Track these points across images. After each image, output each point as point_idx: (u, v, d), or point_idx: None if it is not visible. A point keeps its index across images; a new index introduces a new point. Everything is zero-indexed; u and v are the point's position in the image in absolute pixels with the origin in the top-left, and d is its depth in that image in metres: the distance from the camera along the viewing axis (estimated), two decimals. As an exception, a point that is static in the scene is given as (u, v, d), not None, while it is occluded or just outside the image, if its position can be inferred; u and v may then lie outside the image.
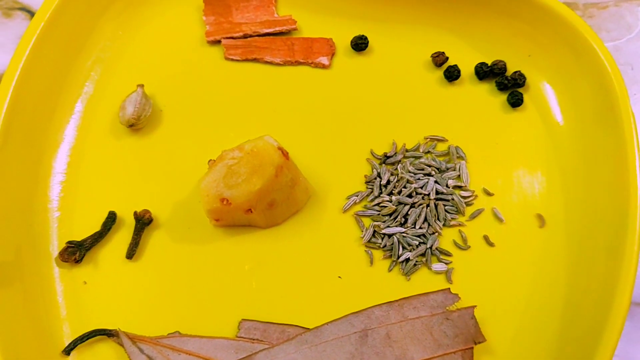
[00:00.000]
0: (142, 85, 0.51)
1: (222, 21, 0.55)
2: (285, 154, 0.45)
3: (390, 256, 0.47)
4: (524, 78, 0.53)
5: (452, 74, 0.53)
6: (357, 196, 0.49)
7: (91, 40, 0.53)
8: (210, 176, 0.44)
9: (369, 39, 0.54)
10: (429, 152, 0.51)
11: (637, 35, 0.58)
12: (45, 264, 0.46)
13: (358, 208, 0.49)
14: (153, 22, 0.55)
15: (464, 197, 0.49)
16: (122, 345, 0.43)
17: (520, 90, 0.53)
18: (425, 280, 0.47)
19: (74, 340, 0.43)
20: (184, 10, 0.56)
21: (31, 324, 0.43)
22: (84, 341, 0.43)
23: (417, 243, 0.47)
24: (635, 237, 0.43)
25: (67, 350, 0.43)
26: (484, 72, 0.53)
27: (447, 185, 0.49)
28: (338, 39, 0.55)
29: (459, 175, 0.50)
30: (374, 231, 0.48)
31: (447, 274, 0.47)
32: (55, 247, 0.47)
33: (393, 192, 0.49)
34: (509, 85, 0.53)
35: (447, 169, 0.50)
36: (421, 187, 0.49)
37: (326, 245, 0.48)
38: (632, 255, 0.43)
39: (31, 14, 0.58)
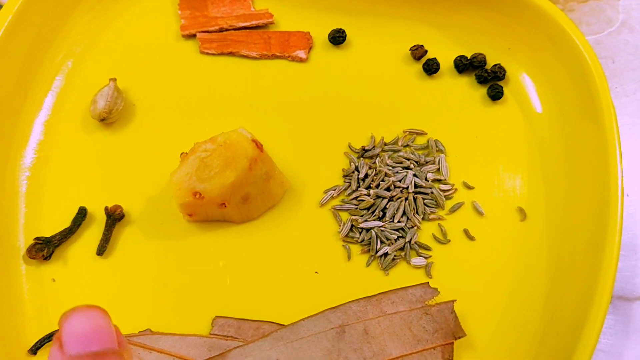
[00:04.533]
0: (114, 79, 0.49)
1: (198, 15, 0.54)
2: (259, 146, 0.44)
3: (369, 251, 0.46)
4: (504, 71, 0.52)
5: (431, 67, 0.52)
6: (334, 190, 0.48)
7: (62, 33, 0.52)
8: (182, 169, 0.43)
9: (346, 32, 0.53)
10: (407, 145, 0.50)
11: (617, 28, 0.58)
12: (12, 261, 0.45)
13: (335, 202, 0.48)
14: (127, 15, 0.54)
15: (444, 191, 0.48)
16: (91, 343, 0.42)
17: (500, 83, 0.52)
18: (404, 275, 0.46)
19: (40, 339, 0.42)
20: (158, 4, 0.55)
21: (-4, 322, 0.42)
22: (51, 340, 0.42)
23: (396, 237, 0.46)
24: (616, 229, 0.42)
25: (34, 350, 0.42)
26: (463, 65, 0.53)
27: (426, 179, 0.48)
28: (315, 33, 0.54)
29: (439, 169, 0.49)
30: (352, 225, 0.47)
31: (427, 269, 0.46)
32: (23, 243, 0.45)
33: (371, 185, 0.48)
34: (489, 78, 0.52)
35: (426, 162, 0.49)
36: (400, 181, 0.48)
37: (303, 240, 0.46)
38: (613, 247, 0.42)
39: None
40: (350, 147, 0.50)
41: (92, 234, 0.46)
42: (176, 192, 0.43)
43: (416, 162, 0.49)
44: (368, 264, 0.46)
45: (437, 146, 0.50)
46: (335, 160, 0.49)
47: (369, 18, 0.55)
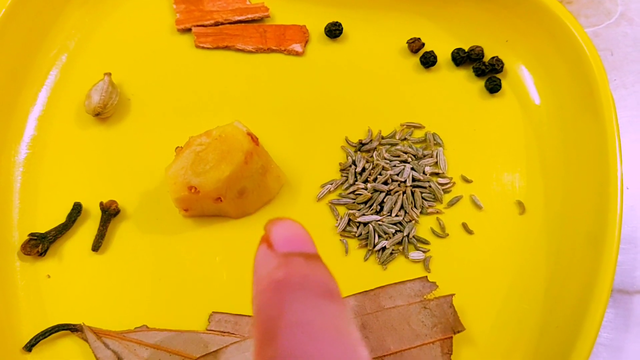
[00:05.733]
0: (109, 74, 0.49)
1: (193, 9, 0.54)
2: (255, 140, 0.44)
3: (366, 245, 0.46)
4: (502, 64, 0.52)
5: (429, 60, 0.52)
6: (331, 184, 0.47)
7: (56, 27, 0.51)
8: (178, 163, 0.43)
9: (343, 25, 0.53)
10: (405, 139, 0.49)
11: (616, 21, 0.57)
12: (7, 257, 0.44)
13: (332, 196, 0.47)
14: (121, 9, 0.53)
15: (442, 184, 0.48)
16: (86, 340, 0.42)
17: (498, 75, 0.52)
18: (403, 269, 0.45)
19: (35, 336, 0.41)
20: (153, -2, 0.54)
21: (-10, 319, 0.42)
22: (46, 337, 0.42)
23: (394, 231, 0.46)
24: (616, 222, 0.42)
25: (29, 347, 0.41)
26: (460, 58, 0.52)
27: (424, 172, 0.48)
28: (311, 26, 0.54)
29: (436, 162, 0.48)
30: (349, 220, 0.46)
31: (425, 263, 0.45)
32: (17, 239, 0.45)
33: (368, 179, 0.47)
34: (487, 70, 0.52)
35: (424, 155, 0.49)
36: (397, 174, 0.47)
37: (300, 235, 0.46)
38: (613, 240, 0.41)
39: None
40: (347, 140, 0.49)
41: (87, 229, 0.46)
42: (171, 187, 0.43)
43: (414, 155, 0.48)
44: (366, 259, 0.45)
45: (434, 139, 0.49)
46: (332, 154, 0.49)
47: (366, 11, 0.54)
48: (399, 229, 0.46)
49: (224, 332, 0.42)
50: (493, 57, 0.52)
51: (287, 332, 0.22)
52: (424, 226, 0.47)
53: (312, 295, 0.23)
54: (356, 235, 0.46)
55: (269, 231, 0.27)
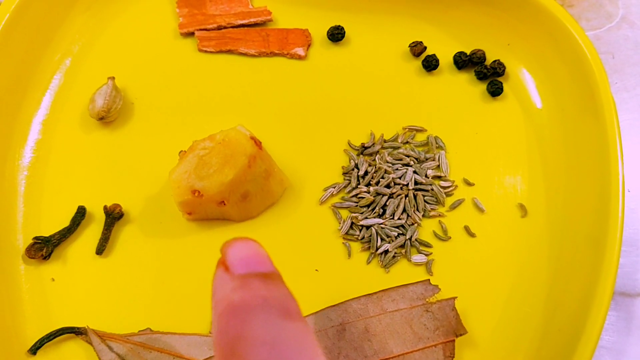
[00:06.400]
0: (112, 78, 0.49)
1: (196, 13, 0.54)
2: (258, 144, 0.44)
3: (369, 248, 0.46)
4: (504, 67, 0.52)
5: (431, 64, 0.52)
6: (334, 188, 0.48)
7: (60, 31, 0.51)
8: (181, 167, 0.43)
9: (345, 29, 0.53)
10: (407, 142, 0.50)
11: (617, 24, 0.58)
12: (11, 260, 0.44)
13: (335, 200, 0.48)
14: (125, 13, 0.53)
15: (444, 188, 0.48)
16: (90, 343, 0.42)
17: (500, 79, 0.52)
18: (405, 272, 0.45)
19: (40, 339, 0.42)
20: (156, 2, 0.54)
21: (-5, 323, 0.42)
22: (51, 340, 0.42)
23: (396, 234, 0.46)
24: (617, 225, 0.42)
25: (34, 350, 0.42)
26: (462, 62, 0.52)
27: (426, 176, 0.48)
28: (314, 30, 0.54)
29: (439, 166, 0.49)
30: (352, 223, 0.46)
31: (427, 266, 0.45)
32: (22, 243, 0.45)
33: (371, 183, 0.47)
34: (488, 74, 0.52)
35: (427, 159, 0.49)
36: (399, 178, 0.47)
37: (303, 238, 0.46)
38: (615, 243, 0.42)
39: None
40: (349, 144, 0.50)
41: (91, 233, 0.46)
42: (175, 191, 0.43)
43: (416, 159, 0.49)
44: (368, 262, 0.46)
45: (437, 143, 0.50)
46: (335, 158, 0.49)
47: (368, 15, 0.54)
48: (401, 232, 0.46)
49: (228, 335, 0.42)
50: (495, 61, 0.52)
51: (249, 354, 0.22)
52: (426, 229, 0.47)
53: (271, 317, 0.23)
54: (359, 238, 0.46)
55: (225, 253, 0.26)
